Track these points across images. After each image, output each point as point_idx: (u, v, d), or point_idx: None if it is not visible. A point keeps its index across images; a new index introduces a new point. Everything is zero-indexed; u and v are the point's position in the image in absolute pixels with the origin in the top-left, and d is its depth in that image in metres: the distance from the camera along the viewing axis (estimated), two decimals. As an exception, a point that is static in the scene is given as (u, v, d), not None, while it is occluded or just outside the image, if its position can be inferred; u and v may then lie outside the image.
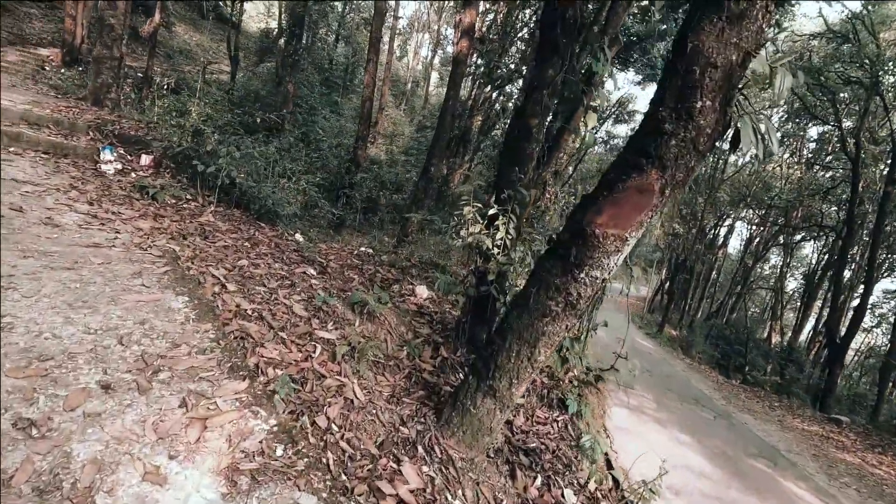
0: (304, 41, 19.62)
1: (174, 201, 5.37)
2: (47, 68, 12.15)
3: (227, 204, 6.04)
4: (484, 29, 18.05)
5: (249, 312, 3.31)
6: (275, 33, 20.76)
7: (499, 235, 4.10)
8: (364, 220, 13.69)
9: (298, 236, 6.36)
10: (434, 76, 27.13)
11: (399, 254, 7.27)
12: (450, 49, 28.76)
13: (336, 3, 21.83)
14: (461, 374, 4.01)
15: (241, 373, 2.50)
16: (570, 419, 4.17)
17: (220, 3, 22.96)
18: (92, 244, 3.26)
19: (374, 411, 2.84)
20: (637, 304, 26.49)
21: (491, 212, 4.10)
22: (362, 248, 6.79)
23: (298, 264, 4.92)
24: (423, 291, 5.99)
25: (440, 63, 27.59)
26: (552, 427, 4.03)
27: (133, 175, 5.61)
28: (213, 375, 2.39)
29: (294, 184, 8.47)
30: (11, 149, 4.69)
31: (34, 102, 6.07)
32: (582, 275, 2.59)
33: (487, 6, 16.37)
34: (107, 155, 5.55)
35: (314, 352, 3.22)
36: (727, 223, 25.79)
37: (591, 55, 3.94)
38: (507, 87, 20.50)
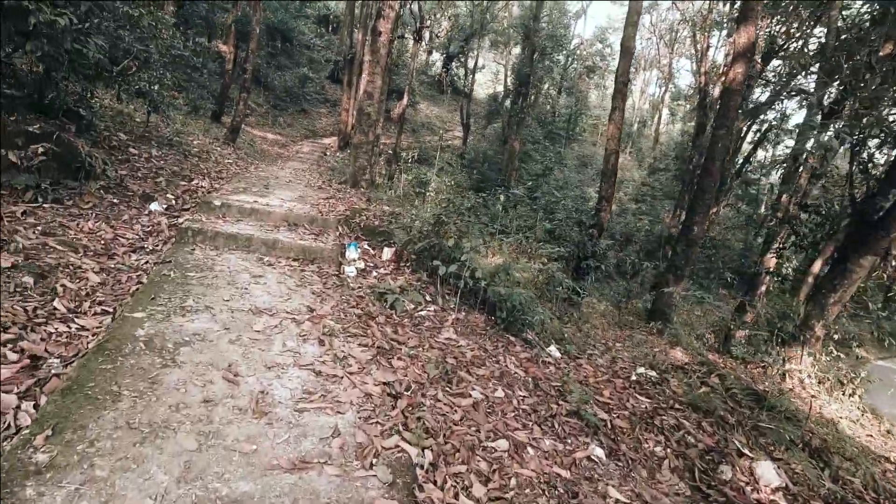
0: (528, 99, 18.89)
1: (412, 306, 4.20)
2: (328, 153, 14.00)
3: (469, 306, 4.65)
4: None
5: None
6: (501, 96, 20.70)
7: None
8: (598, 284, 11.29)
9: (553, 350, 4.51)
10: (664, 113, 23.13)
11: (690, 373, 4.71)
12: (681, 84, 24.35)
13: (559, 57, 20.66)
14: None
15: None
16: None
17: (455, 77, 24.54)
18: (298, 462, 1.93)
19: None
20: None
21: None
22: (640, 370, 4.50)
23: (576, 437, 2.97)
24: (769, 476, 3.31)
25: (671, 98, 23.46)
26: None
27: (374, 274, 4.71)
28: None
29: (533, 260, 6.82)
30: (266, 258, 4.18)
31: (299, 198, 5.95)
32: None
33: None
34: (351, 253, 4.79)
35: None
36: None
37: None
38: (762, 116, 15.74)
